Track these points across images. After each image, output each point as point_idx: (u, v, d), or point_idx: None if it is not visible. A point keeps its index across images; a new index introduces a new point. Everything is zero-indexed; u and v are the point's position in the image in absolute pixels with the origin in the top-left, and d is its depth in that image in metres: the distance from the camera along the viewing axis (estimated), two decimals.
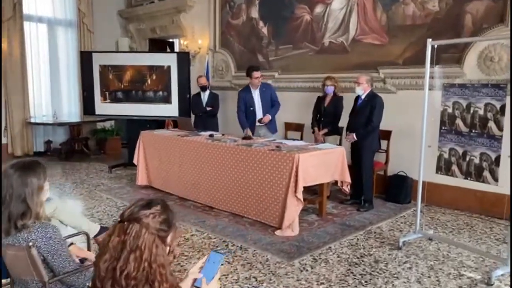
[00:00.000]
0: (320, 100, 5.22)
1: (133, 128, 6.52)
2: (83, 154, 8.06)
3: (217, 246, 3.61)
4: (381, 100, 4.53)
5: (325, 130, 5.08)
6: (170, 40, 9.15)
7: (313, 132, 5.26)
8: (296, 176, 3.85)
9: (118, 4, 9.08)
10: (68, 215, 2.84)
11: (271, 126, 5.49)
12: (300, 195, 3.86)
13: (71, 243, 2.16)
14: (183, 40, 7.78)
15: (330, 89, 5.04)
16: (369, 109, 4.51)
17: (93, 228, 2.96)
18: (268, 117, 5.37)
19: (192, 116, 6.43)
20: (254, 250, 3.52)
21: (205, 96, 6.24)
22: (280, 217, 3.95)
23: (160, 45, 8.93)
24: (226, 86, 7.23)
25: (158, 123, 6.78)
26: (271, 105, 5.48)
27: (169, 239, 1.38)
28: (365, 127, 4.51)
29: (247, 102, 5.41)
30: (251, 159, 4.22)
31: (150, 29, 8.65)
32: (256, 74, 5.32)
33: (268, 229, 4.00)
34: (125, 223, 1.29)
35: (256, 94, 5.41)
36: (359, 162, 4.62)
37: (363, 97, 4.60)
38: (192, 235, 3.89)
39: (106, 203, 4.92)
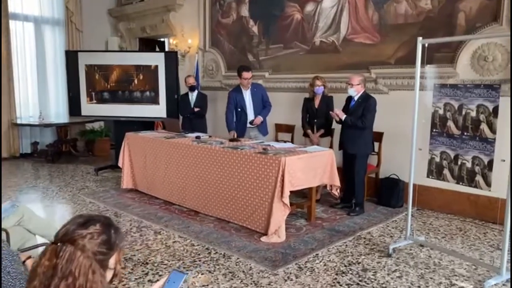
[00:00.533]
0: (308, 101, 5.07)
1: (120, 129, 6.34)
2: (71, 156, 7.91)
3: (199, 254, 3.45)
4: (375, 101, 4.38)
5: (322, 131, 4.93)
6: (162, 39, 9.00)
7: (305, 135, 5.10)
8: (283, 180, 3.71)
9: (108, 3, 8.93)
10: (36, 223, 2.68)
11: (262, 128, 5.31)
12: (286, 200, 3.71)
13: (29, 257, 2.00)
14: (172, 39, 7.62)
15: (320, 89, 4.89)
16: (361, 111, 4.36)
17: None
18: (260, 118, 5.19)
19: (181, 117, 6.28)
20: (238, 258, 3.36)
21: (193, 96, 6.08)
22: (266, 223, 3.80)
23: (150, 44, 8.79)
24: (216, 86, 7.08)
25: (147, 124, 6.63)
26: (263, 106, 5.30)
27: (111, 262, 1.22)
28: (357, 120, 4.33)
29: (238, 102, 5.22)
30: (237, 162, 4.07)
31: (140, 28, 8.50)
32: (246, 74, 5.10)
33: (254, 235, 3.85)
34: (58, 244, 1.13)
35: (247, 95, 5.22)
36: (351, 165, 4.46)
37: (356, 98, 4.44)
38: (174, 241, 3.73)
39: (88, 208, 4.75)
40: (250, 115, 5.22)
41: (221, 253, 3.47)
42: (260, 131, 5.26)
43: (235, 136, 4.89)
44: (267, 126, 5.43)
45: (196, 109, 5.98)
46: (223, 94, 7.01)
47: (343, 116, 4.40)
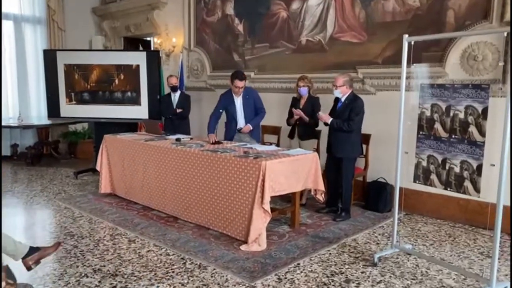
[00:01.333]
0: (295, 101, 4.88)
1: (101, 131, 6.10)
2: (52, 159, 7.67)
3: (173, 265, 3.25)
4: (362, 102, 4.20)
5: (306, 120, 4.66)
6: (147, 38, 8.78)
7: (290, 137, 4.90)
8: (263, 185, 3.51)
9: (92, 1, 8.68)
10: None
11: (255, 134, 4.93)
12: (267, 206, 3.52)
13: None
14: (157, 38, 7.41)
15: (304, 91, 4.70)
16: (348, 113, 4.17)
17: (21, 249, 2.59)
18: (248, 127, 4.77)
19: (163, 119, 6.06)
20: (214, 269, 3.17)
21: (175, 97, 5.87)
22: (247, 231, 3.61)
23: (135, 43, 8.56)
24: (202, 87, 6.88)
25: (130, 125, 6.42)
26: (255, 113, 4.86)
27: None
28: (343, 123, 4.15)
29: (229, 109, 4.82)
30: (216, 166, 3.88)
31: (124, 27, 8.28)
32: (238, 83, 4.61)
33: (233, 244, 3.66)
34: None
35: (238, 102, 4.80)
36: (338, 169, 4.28)
37: (343, 99, 4.25)
38: (148, 250, 3.53)
39: (62, 214, 4.53)
40: (241, 123, 4.83)
41: (196, 264, 3.27)
42: (253, 137, 4.88)
43: (215, 140, 4.59)
44: (260, 131, 5.15)
45: (178, 110, 5.77)
46: (209, 95, 6.84)
47: (328, 120, 4.22)
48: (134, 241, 3.75)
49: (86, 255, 3.43)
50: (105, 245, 3.64)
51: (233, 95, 4.77)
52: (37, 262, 2.64)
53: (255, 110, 4.82)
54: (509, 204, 3.53)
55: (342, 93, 4.21)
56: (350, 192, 4.40)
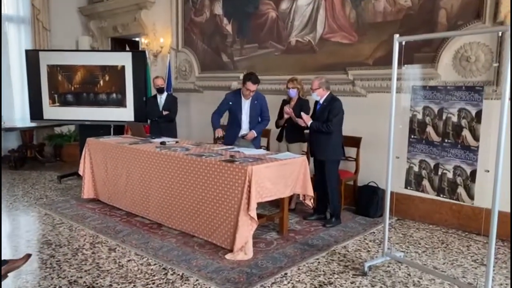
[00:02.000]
0: (285, 103, 4.74)
1: (86, 134, 5.92)
2: (37, 162, 7.46)
3: (154, 276, 3.09)
4: (340, 103, 4.10)
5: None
6: (136, 39, 8.60)
7: (279, 140, 4.77)
8: (249, 191, 3.37)
9: (78, 1, 8.48)
10: None
11: (256, 142, 4.72)
12: (253, 213, 3.37)
13: None
14: (144, 38, 7.24)
15: (293, 92, 4.57)
16: (327, 114, 4.07)
17: None
18: (253, 134, 4.56)
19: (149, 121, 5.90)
20: (197, 280, 3.01)
21: (161, 99, 5.70)
22: (232, 238, 3.46)
23: (123, 44, 8.37)
24: (190, 88, 6.72)
25: (117, 128, 6.25)
26: (260, 119, 4.66)
27: None
28: (322, 124, 4.05)
29: (234, 111, 4.53)
30: (201, 170, 3.72)
31: (111, 27, 8.10)
32: (251, 86, 4.33)
33: (218, 252, 3.50)
34: None
35: (246, 105, 4.54)
36: (323, 172, 4.16)
37: (321, 101, 4.16)
38: (129, 260, 3.36)
39: (42, 220, 4.35)
40: (244, 128, 4.61)
41: (179, 274, 3.11)
42: (253, 143, 4.68)
43: (222, 134, 4.36)
44: (260, 138, 4.88)
45: (164, 113, 5.61)
46: (197, 96, 6.69)
47: (308, 122, 4.11)
48: (115, 249, 3.58)
49: (63, 265, 3.25)
50: (83, 254, 3.47)
51: (242, 97, 4.51)
52: (4, 276, 2.47)
53: (259, 116, 4.63)
54: (503, 209, 3.42)
55: (319, 95, 4.13)
56: (337, 196, 4.27)
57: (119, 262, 3.32)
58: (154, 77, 5.80)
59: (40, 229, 4.10)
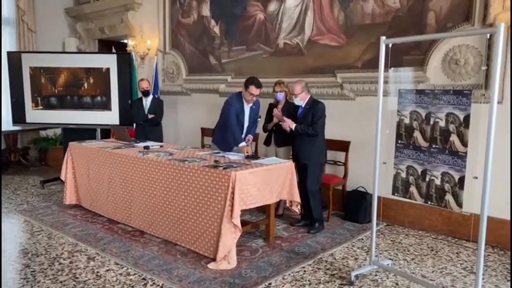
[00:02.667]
0: (272, 107, 4.64)
1: (70, 137, 5.77)
2: (21, 166, 7.28)
3: (132, 287, 2.96)
4: (323, 106, 4.03)
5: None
6: (123, 41, 8.46)
7: (266, 144, 4.67)
8: (233, 197, 3.26)
9: (65, 2, 8.33)
10: None
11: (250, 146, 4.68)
12: (236, 220, 3.25)
13: None
14: (131, 40, 7.11)
15: (280, 96, 4.47)
16: (311, 117, 3.99)
17: None
18: (251, 138, 4.43)
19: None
20: None
21: (147, 102, 5.57)
22: (215, 247, 3.34)
23: (110, 46, 8.24)
24: (177, 91, 6.60)
25: (102, 132, 6.12)
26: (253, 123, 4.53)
27: None
28: (307, 127, 3.97)
29: (239, 115, 4.29)
30: (184, 176, 3.61)
31: (98, 28, 7.96)
32: (254, 90, 4.13)
33: (201, 261, 3.39)
34: None
35: (247, 110, 4.38)
36: (305, 177, 4.06)
37: (303, 105, 4.08)
38: (107, 270, 3.23)
39: (21, 228, 4.21)
40: (244, 132, 4.43)
41: (159, 285, 2.99)
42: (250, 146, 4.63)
43: (249, 150, 4.13)
44: None
45: (150, 116, 5.48)
46: (185, 99, 6.58)
47: (293, 125, 4.04)
48: (94, 258, 3.45)
49: (38, 276, 3.12)
50: (61, 264, 3.33)
51: (244, 102, 4.29)
52: None
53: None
54: (492, 215, 3.34)
55: (302, 99, 4.05)
56: (319, 200, 4.17)
57: (97, 272, 3.19)
58: (139, 80, 5.67)
59: (17, 237, 3.95)
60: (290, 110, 4.37)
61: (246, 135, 4.41)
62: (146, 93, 5.50)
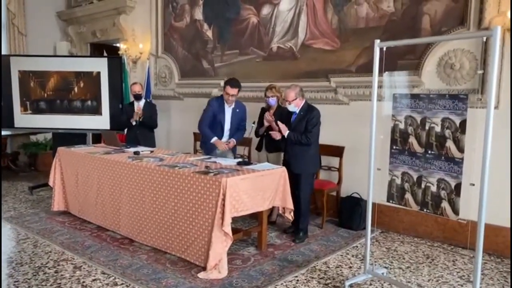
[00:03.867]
0: (264, 112, 4.56)
1: (60, 142, 5.67)
2: (10, 172, 7.14)
3: None
4: (319, 113, 3.90)
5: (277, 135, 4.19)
6: (116, 44, 8.36)
7: (258, 149, 4.60)
8: (223, 204, 3.17)
9: (56, 5, 8.23)
10: None
11: (233, 150, 4.63)
12: (227, 228, 3.16)
13: None
14: (123, 44, 7.02)
15: (272, 101, 4.39)
16: (305, 124, 3.86)
17: None
18: (233, 143, 4.44)
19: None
20: None
21: (139, 106, 5.47)
22: (206, 255, 3.25)
23: (102, 49, 8.13)
24: (169, 95, 6.51)
25: (93, 137, 6.01)
26: (237, 128, 4.52)
27: None
28: (301, 136, 3.84)
29: (217, 118, 4.38)
30: (174, 183, 3.51)
31: (90, 32, 7.86)
32: (229, 90, 4.22)
33: (191, 270, 3.29)
34: None
35: (228, 112, 4.40)
36: (297, 185, 3.92)
37: (297, 111, 3.94)
38: (94, 279, 3.12)
39: (5, 235, 4.08)
40: (225, 135, 4.47)
41: None
42: (232, 151, 4.58)
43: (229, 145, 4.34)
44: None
45: (140, 117, 5.30)
46: (177, 104, 6.49)
47: (285, 132, 3.89)
48: (80, 268, 3.34)
49: (21, 286, 3.00)
50: (45, 274, 3.22)
51: (225, 104, 4.37)
52: None
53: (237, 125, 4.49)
54: (488, 222, 3.27)
55: (296, 106, 3.90)
56: (309, 210, 4.08)
57: (83, 282, 3.08)
58: (132, 83, 5.56)
59: (1, 246, 3.82)
60: (283, 115, 4.25)
61: (228, 136, 4.42)
62: (138, 97, 5.39)
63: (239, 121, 4.47)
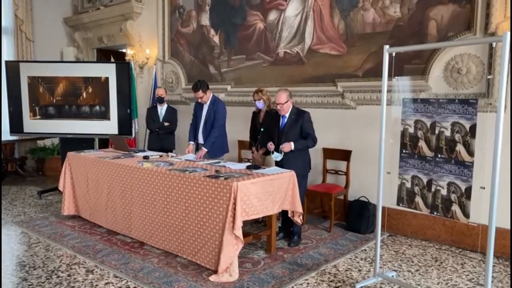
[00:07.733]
0: (256, 116, 4.63)
1: (68, 147, 5.72)
2: (18, 176, 7.20)
3: None
4: (309, 114, 3.95)
5: (264, 150, 4.35)
6: (123, 50, 8.43)
7: (252, 152, 4.65)
8: (234, 208, 3.20)
9: (63, 11, 8.32)
10: None
11: (215, 150, 4.62)
12: (238, 232, 3.20)
13: None
14: (130, 49, 7.09)
15: (260, 104, 4.45)
16: (300, 127, 3.88)
17: None
18: (204, 151, 4.54)
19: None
20: None
21: (162, 109, 5.53)
22: (217, 259, 3.28)
23: (109, 55, 8.19)
24: (176, 100, 6.56)
25: (101, 142, 6.06)
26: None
27: None
28: (305, 141, 3.88)
29: (197, 114, 4.83)
30: (185, 187, 3.55)
31: (97, 38, 7.94)
32: (194, 94, 4.63)
33: (202, 273, 3.32)
34: None
35: (204, 109, 4.73)
36: None
37: (287, 115, 3.95)
38: (107, 283, 3.16)
39: (17, 239, 4.13)
40: (200, 131, 4.74)
41: None
42: (215, 154, 4.60)
43: (190, 151, 4.66)
44: (223, 146, 4.78)
45: (165, 124, 5.45)
46: (184, 109, 6.53)
47: (292, 147, 3.84)
48: (93, 271, 3.38)
49: None
50: (59, 277, 3.26)
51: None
52: None
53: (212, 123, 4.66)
54: (497, 225, 3.30)
55: (288, 108, 3.93)
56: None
57: (96, 285, 3.12)
58: (157, 87, 5.78)
59: (14, 250, 3.87)
60: (271, 119, 4.18)
61: (205, 136, 4.63)
62: (161, 100, 5.48)
63: (212, 116, 4.64)
